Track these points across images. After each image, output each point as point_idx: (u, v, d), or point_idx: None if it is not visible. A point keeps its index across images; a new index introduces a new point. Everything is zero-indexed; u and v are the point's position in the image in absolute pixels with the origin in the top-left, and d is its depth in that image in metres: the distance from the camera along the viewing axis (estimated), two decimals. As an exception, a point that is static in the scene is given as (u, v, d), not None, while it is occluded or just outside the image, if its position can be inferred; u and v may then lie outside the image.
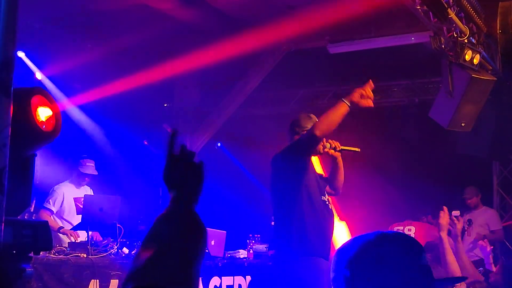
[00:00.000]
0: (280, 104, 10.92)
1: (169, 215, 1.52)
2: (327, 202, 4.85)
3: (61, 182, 7.55)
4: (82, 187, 7.48)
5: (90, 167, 7.42)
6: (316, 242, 4.63)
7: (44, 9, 7.79)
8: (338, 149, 4.97)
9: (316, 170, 4.96)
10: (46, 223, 2.72)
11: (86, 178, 7.45)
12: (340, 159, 5.08)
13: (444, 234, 3.99)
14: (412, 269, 1.62)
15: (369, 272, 1.62)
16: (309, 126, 4.84)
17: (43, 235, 2.62)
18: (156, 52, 8.89)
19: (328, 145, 4.95)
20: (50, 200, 7.22)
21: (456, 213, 8.02)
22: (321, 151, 4.95)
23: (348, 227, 10.21)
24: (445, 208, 4.10)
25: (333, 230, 4.87)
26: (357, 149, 5.06)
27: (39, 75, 8.74)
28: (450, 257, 3.81)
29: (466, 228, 8.53)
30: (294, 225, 4.65)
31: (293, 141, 4.93)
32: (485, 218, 8.74)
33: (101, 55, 8.76)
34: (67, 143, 6.90)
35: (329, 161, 5.18)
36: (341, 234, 9.67)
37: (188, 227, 1.49)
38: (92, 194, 7.52)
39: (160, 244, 1.43)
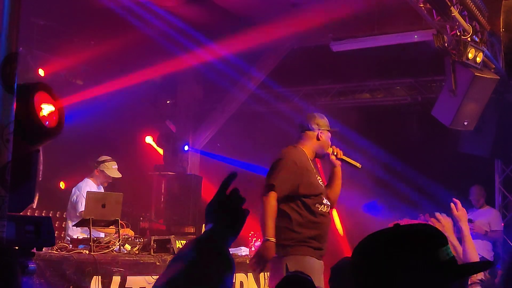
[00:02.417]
0: (282, 101, 10.91)
1: (200, 240, 1.59)
2: (322, 210, 4.95)
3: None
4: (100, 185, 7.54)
5: (115, 170, 7.46)
6: (308, 244, 4.79)
7: (48, 6, 7.80)
8: (339, 156, 5.08)
9: (314, 177, 5.01)
10: (48, 218, 2.73)
11: (110, 180, 7.49)
12: (339, 169, 5.17)
13: (463, 224, 3.92)
14: (434, 266, 1.54)
15: (389, 273, 1.54)
16: (324, 124, 5.06)
17: (46, 231, 2.63)
18: (159, 49, 8.89)
19: (331, 150, 5.07)
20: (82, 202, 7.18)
21: None
22: (325, 151, 5.05)
23: (341, 216, 10.36)
24: (456, 201, 4.04)
25: (327, 234, 4.99)
26: (358, 165, 5.14)
27: (41, 72, 8.74)
28: (470, 245, 3.77)
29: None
30: (288, 228, 4.79)
31: (305, 135, 5.08)
32: (488, 218, 8.73)
33: (104, 52, 8.76)
34: (70, 139, 6.89)
35: (328, 168, 5.27)
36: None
37: (212, 256, 1.53)
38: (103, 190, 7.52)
39: (184, 265, 1.50)
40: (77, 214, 7.16)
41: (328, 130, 5.11)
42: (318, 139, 5.07)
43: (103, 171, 7.41)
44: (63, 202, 8.21)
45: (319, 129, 5.07)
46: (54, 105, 2.55)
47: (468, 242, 3.76)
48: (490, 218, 8.74)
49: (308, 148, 5.08)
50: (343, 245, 10.54)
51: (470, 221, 8.27)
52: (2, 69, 2.25)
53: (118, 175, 7.51)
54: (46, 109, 2.52)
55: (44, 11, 7.92)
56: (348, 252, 10.47)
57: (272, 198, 4.72)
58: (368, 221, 9.67)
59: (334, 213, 10.21)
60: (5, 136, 2.18)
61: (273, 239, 4.63)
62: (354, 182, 10.38)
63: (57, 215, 9.00)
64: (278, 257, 4.72)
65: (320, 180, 5.09)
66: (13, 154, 2.38)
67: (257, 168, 10.85)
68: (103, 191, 7.43)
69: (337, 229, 10.62)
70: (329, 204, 5.03)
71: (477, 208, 8.79)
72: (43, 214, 8.58)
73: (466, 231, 3.81)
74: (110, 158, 7.55)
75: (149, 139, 10.67)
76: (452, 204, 3.96)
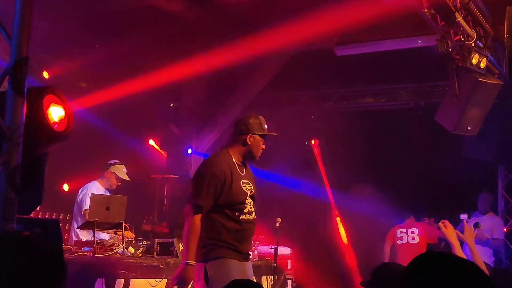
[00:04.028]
0: (286, 105, 10.93)
1: None
2: (244, 218, 4.76)
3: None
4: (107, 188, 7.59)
5: (125, 173, 7.52)
6: (229, 247, 4.65)
7: (53, 10, 7.83)
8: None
9: (236, 185, 4.81)
10: (56, 221, 2.75)
11: (119, 183, 7.55)
12: None
13: (454, 241, 3.97)
14: None
15: None
16: (255, 128, 4.83)
17: (54, 233, 2.65)
18: (163, 53, 8.91)
19: None
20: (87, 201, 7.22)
21: (464, 216, 8.02)
22: (255, 155, 4.90)
23: (345, 223, 10.45)
24: (444, 221, 4.11)
25: (251, 238, 4.89)
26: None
27: (46, 74, 8.77)
28: (477, 259, 3.84)
29: (474, 231, 8.47)
30: (209, 233, 4.65)
31: (235, 137, 4.87)
32: (491, 225, 8.70)
33: (108, 56, 8.79)
34: (73, 141, 6.91)
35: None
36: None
37: None
38: (109, 193, 7.55)
39: None
40: (82, 213, 7.22)
41: (260, 134, 4.85)
42: (245, 143, 4.83)
43: (114, 173, 7.47)
44: (66, 205, 8.23)
45: (248, 133, 4.81)
46: (63, 109, 2.57)
47: (475, 255, 3.82)
48: (493, 225, 8.72)
49: (235, 151, 4.84)
50: (347, 253, 10.58)
51: (477, 225, 8.27)
52: (12, 73, 2.27)
53: (127, 178, 7.57)
54: (55, 112, 2.54)
55: (49, 14, 7.94)
56: (351, 259, 10.50)
57: (197, 219, 4.59)
58: (370, 228, 9.68)
59: (338, 221, 10.26)
60: (15, 139, 2.20)
61: (193, 263, 4.54)
62: (354, 185, 10.43)
63: (61, 217, 9.03)
64: (199, 262, 4.61)
65: (248, 185, 4.85)
66: (22, 157, 2.40)
67: (260, 172, 10.86)
68: (108, 194, 7.46)
69: (341, 237, 10.67)
70: (253, 210, 4.83)
71: (482, 214, 8.77)
72: (46, 216, 8.60)
73: (456, 244, 3.87)
74: (119, 161, 7.61)
75: (151, 142, 10.69)
76: (440, 224, 4.02)
